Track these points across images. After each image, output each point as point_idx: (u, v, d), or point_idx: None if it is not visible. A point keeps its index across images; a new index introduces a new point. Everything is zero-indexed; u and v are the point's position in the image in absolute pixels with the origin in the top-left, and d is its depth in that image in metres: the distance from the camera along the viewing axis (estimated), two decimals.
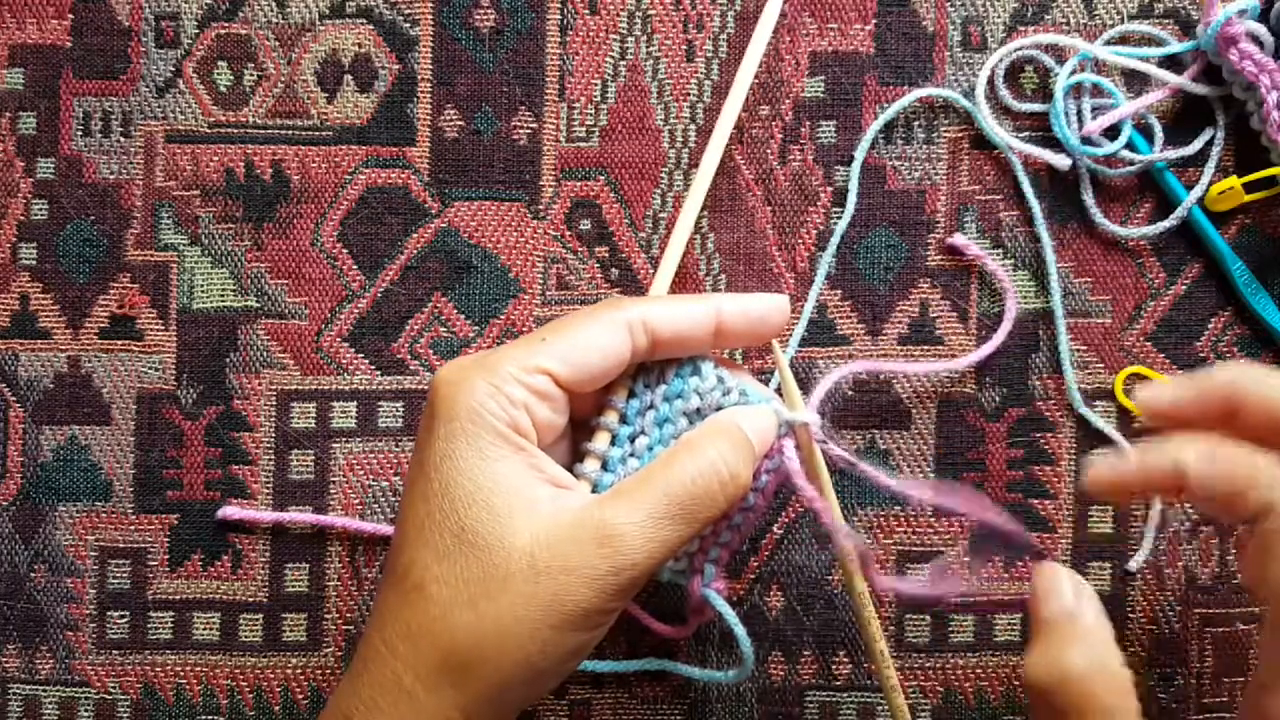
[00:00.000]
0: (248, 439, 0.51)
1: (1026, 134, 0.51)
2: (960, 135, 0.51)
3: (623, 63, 0.51)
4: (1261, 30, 0.48)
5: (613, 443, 0.43)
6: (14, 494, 0.51)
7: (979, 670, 0.50)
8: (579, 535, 0.38)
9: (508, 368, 0.39)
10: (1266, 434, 0.38)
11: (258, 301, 0.51)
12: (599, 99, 0.51)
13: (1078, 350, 0.51)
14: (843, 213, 0.51)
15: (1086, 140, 0.50)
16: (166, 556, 0.51)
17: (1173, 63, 0.51)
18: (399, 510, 0.40)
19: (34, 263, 0.51)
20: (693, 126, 0.51)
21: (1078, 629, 0.38)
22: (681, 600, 0.47)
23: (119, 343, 0.51)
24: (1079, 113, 0.50)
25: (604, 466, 0.43)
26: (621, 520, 0.38)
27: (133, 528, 0.51)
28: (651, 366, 0.43)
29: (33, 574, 0.51)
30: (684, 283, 0.51)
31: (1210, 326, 0.51)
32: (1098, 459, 0.40)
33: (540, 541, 0.37)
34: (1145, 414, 0.40)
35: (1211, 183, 0.50)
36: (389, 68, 0.51)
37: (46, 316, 0.51)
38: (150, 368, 0.51)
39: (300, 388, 0.51)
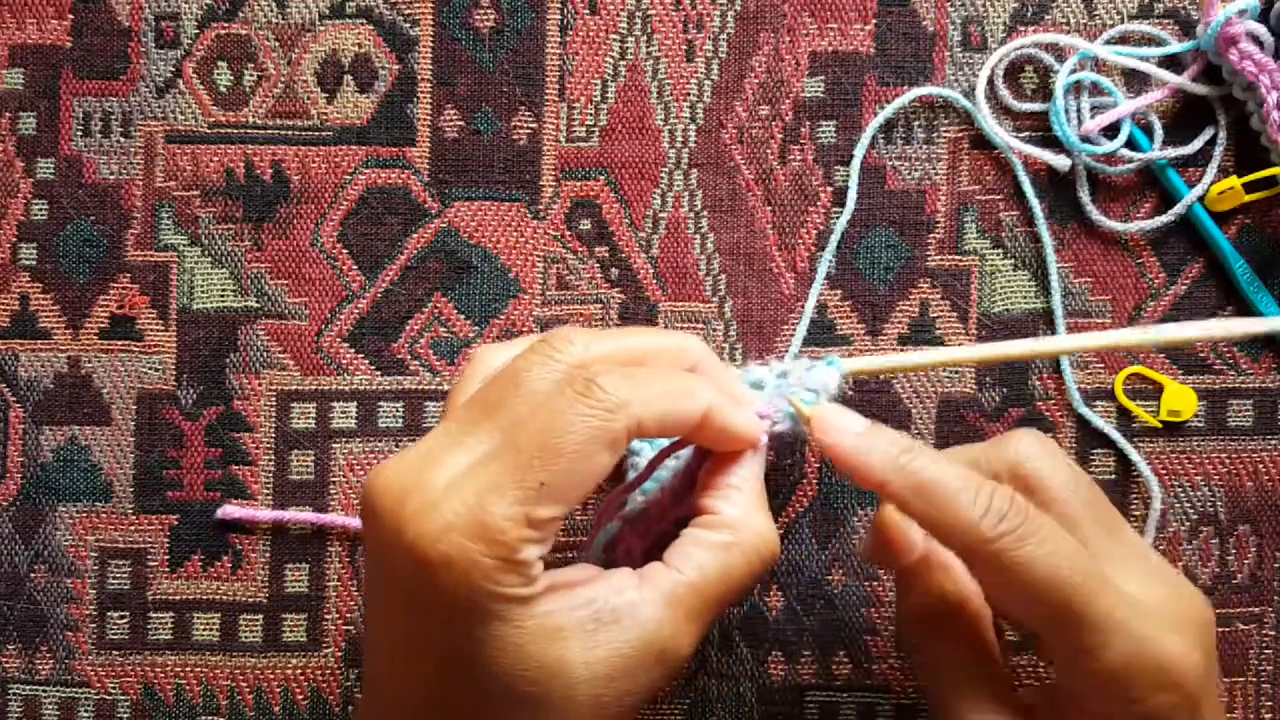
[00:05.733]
0: (248, 439, 0.51)
1: (1026, 134, 0.51)
2: (960, 135, 0.51)
3: (623, 63, 0.51)
4: (1261, 30, 0.48)
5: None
6: (14, 494, 0.51)
7: None
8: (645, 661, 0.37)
9: (503, 525, 0.35)
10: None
11: (258, 302, 0.51)
12: (599, 99, 0.51)
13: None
14: (843, 213, 0.51)
15: (1085, 139, 0.50)
16: (166, 557, 0.51)
17: (1173, 63, 0.51)
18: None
19: (34, 263, 0.51)
20: (693, 126, 0.51)
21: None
22: None
23: (119, 343, 0.51)
24: (1079, 112, 0.50)
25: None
26: (683, 642, 0.37)
27: (133, 528, 0.51)
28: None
29: (33, 574, 0.51)
30: (683, 283, 0.51)
31: None
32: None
33: (603, 680, 0.36)
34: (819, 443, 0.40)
35: (1212, 183, 0.50)
36: (389, 68, 0.51)
37: (46, 316, 0.51)
38: (150, 368, 0.51)
39: (300, 388, 0.51)
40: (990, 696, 0.40)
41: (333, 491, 0.51)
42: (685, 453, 0.43)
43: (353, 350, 0.51)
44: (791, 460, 0.51)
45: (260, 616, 0.51)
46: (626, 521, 0.43)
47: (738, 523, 0.39)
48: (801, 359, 0.44)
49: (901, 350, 0.51)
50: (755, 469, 0.40)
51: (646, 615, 0.36)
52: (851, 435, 0.39)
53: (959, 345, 0.43)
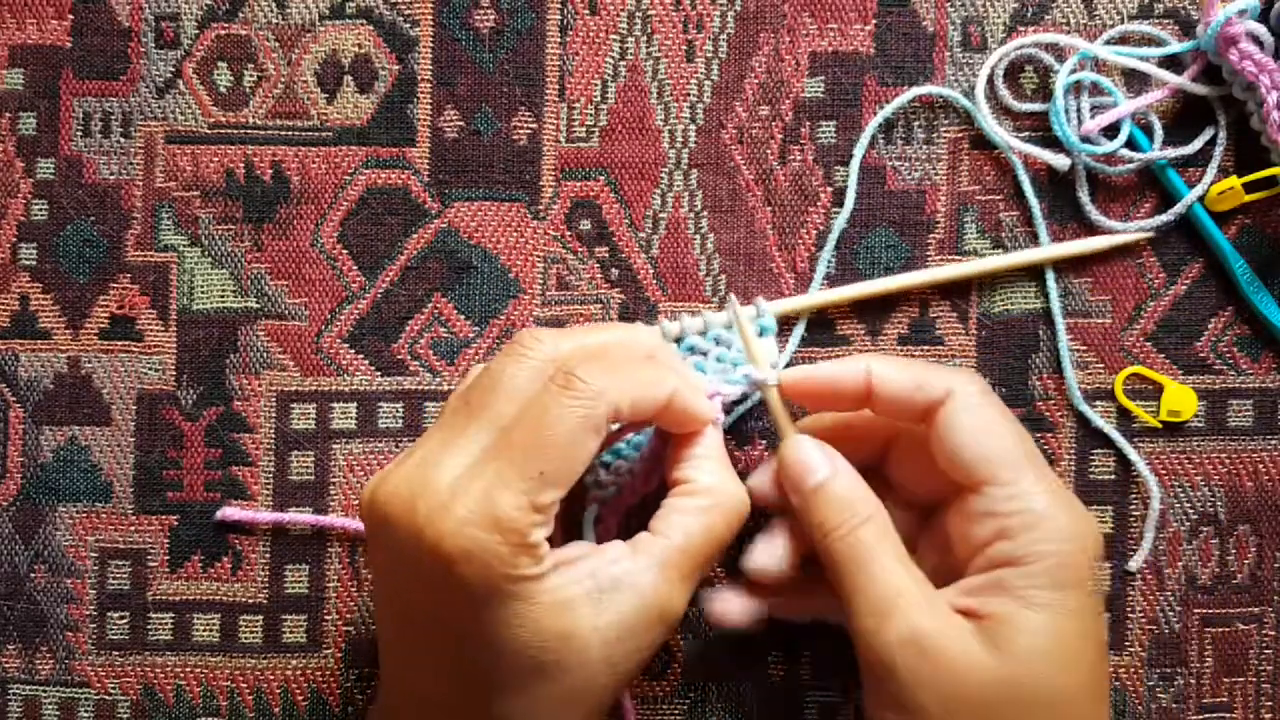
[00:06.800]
0: (248, 440, 0.51)
1: (1026, 134, 0.51)
2: (960, 135, 0.51)
3: (623, 63, 0.51)
4: (1261, 30, 0.48)
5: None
6: (14, 494, 0.51)
7: None
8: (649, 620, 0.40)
9: (514, 514, 0.38)
10: (895, 415, 0.44)
11: (258, 302, 0.51)
12: (599, 99, 0.51)
13: (1078, 350, 0.51)
14: (842, 212, 0.51)
15: (1085, 139, 0.50)
16: (166, 557, 0.51)
17: (1173, 63, 0.51)
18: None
19: (34, 263, 0.51)
20: (693, 126, 0.51)
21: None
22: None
23: (119, 343, 0.51)
24: (1079, 112, 0.50)
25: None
26: (678, 600, 0.41)
27: (132, 528, 0.51)
28: None
29: (33, 574, 0.51)
30: (683, 283, 0.51)
31: (1210, 326, 0.51)
32: (786, 372, 0.46)
33: (613, 642, 0.40)
34: (792, 394, 0.45)
35: (1212, 183, 0.50)
36: (389, 68, 0.51)
37: (46, 316, 0.51)
38: (150, 368, 0.51)
39: (300, 389, 0.51)
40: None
41: (333, 492, 0.51)
42: (647, 437, 0.47)
43: (353, 351, 0.51)
44: None
45: (260, 617, 0.51)
46: (603, 503, 0.47)
47: (713, 487, 0.43)
48: (733, 307, 0.48)
49: (903, 349, 0.51)
50: (717, 439, 0.44)
51: (643, 580, 0.40)
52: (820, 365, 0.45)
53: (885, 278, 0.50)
